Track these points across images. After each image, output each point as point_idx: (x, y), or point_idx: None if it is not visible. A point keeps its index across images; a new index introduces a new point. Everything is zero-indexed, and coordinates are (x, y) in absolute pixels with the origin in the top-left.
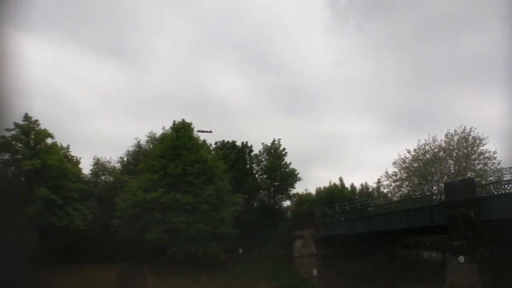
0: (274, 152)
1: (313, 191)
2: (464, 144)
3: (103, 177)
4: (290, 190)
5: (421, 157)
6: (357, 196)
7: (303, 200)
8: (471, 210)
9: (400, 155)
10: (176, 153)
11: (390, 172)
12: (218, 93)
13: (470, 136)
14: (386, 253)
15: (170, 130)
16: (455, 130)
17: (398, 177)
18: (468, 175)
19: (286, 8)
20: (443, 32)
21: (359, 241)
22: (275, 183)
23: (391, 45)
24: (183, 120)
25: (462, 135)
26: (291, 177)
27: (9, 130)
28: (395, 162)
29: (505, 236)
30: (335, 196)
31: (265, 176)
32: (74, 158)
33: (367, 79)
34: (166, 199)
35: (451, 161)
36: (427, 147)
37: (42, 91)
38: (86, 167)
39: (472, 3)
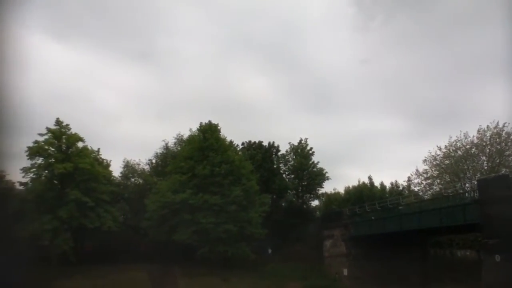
0: (301, 152)
1: (341, 190)
2: (498, 139)
3: (132, 179)
4: (318, 190)
5: (453, 154)
6: (387, 195)
7: (332, 199)
8: (506, 207)
9: (430, 152)
10: (203, 154)
11: (420, 170)
12: (244, 94)
13: (504, 132)
14: (418, 252)
15: (197, 131)
16: (487, 126)
17: (429, 174)
18: (503, 172)
19: (311, 6)
20: (473, 25)
21: (390, 241)
22: (303, 183)
23: (419, 41)
24: (209, 121)
25: (495, 130)
26: (319, 176)
27: (41, 135)
28: (425, 159)
29: None
30: (365, 195)
31: (292, 176)
32: (105, 161)
33: (395, 75)
34: (195, 200)
35: (484, 158)
36: (458, 144)
37: (73, 96)
38: (116, 170)
39: None
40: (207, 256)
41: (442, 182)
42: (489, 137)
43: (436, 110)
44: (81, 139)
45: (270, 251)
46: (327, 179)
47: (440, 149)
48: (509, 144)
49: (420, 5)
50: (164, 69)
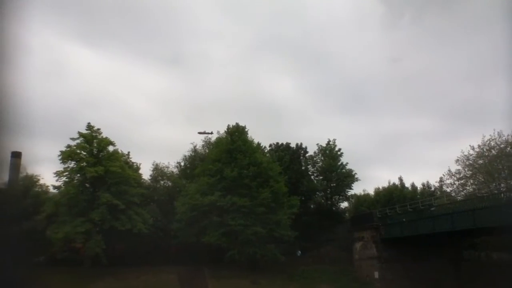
0: (330, 153)
1: (371, 191)
2: None
3: (162, 182)
4: (348, 191)
5: (486, 154)
6: (418, 196)
7: (361, 201)
8: None
9: (463, 152)
10: (231, 156)
11: (453, 170)
12: (272, 96)
13: None
14: (452, 254)
15: (225, 134)
16: None
17: (462, 175)
18: None
19: (338, 6)
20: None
21: (422, 243)
22: (332, 184)
23: (450, 37)
24: (237, 123)
25: None
26: (348, 177)
27: (74, 139)
28: (458, 159)
29: None
30: (395, 196)
31: (321, 177)
32: (135, 164)
33: (426, 73)
34: (223, 202)
35: None
36: (492, 143)
37: (104, 101)
38: (145, 173)
39: None
40: (236, 258)
41: (475, 183)
42: None
43: (468, 108)
44: (112, 143)
45: (299, 253)
46: (357, 180)
47: (473, 148)
48: None
49: (450, 2)
50: (192, 72)
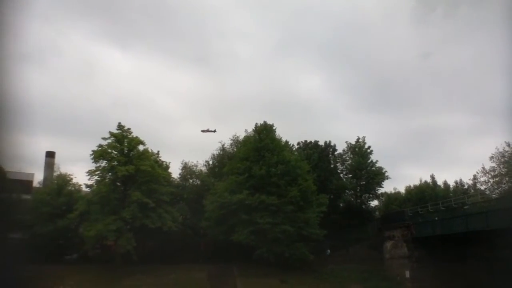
0: (359, 151)
1: (402, 190)
2: None
3: (190, 181)
4: (378, 189)
5: None
6: (451, 194)
7: (392, 199)
8: None
9: (498, 149)
10: (259, 155)
11: (487, 168)
12: (300, 93)
13: None
14: (486, 254)
15: (253, 132)
16: None
17: (497, 172)
18: None
19: (367, 2)
20: None
21: (455, 242)
22: (361, 183)
23: (484, 30)
24: (264, 122)
25: None
26: (378, 176)
27: (105, 139)
28: (492, 156)
29: None
30: (427, 195)
31: (350, 175)
32: (164, 163)
33: (458, 68)
34: (251, 201)
35: None
36: None
37: (133, 101)
38: (175, 171)
39: None
40: (265, 257)
41: (511, 180)
42: None
43: (503, 104)
44: (142, 142)
45: (328, 252)
46: (387, 179)
47: (508, 145)
48: None
49: None
50: (220, 71)
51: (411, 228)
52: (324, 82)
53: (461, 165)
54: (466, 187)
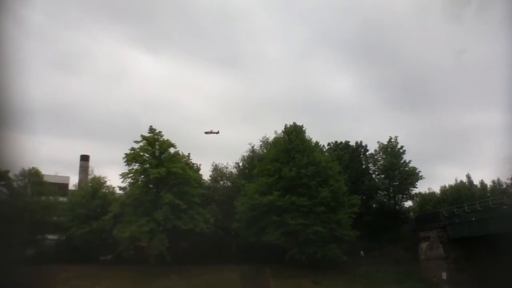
0: (391, 151)
1: (437, 190)
2: None
3: (221, 182)
4: (411, 190)
5: None
6: (488, 194)
7: (427, 200)
8: None
9: None
10: (289, 156)
11: None
12: (330, 94)
13: None
14: None
15: (282, 133)
16: None
17: None
18: None
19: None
20: None
21: (493, 243)
22: (394, 183)
23: None
24: (294, 123)
25: None
26: (412, 176)
27: (137, 142)
28: None
29: None
30: (463, 195)
31: (382, 176)
32: (195, 165)
33: (493, 64)
34: (282, 202)
35: None
36: None
37: (164, 104)
38: (205, 173)
39: None
40: (297, 258)
41: None
42: None
43: None
44: (173, 145)
45: (362, 253)
46: (421, 179)
47: None
48: None
49: None
50: (249, 73)
51: (447, 229)
52: (354, 81)
53: (499, 164)
54: (504, 186)
